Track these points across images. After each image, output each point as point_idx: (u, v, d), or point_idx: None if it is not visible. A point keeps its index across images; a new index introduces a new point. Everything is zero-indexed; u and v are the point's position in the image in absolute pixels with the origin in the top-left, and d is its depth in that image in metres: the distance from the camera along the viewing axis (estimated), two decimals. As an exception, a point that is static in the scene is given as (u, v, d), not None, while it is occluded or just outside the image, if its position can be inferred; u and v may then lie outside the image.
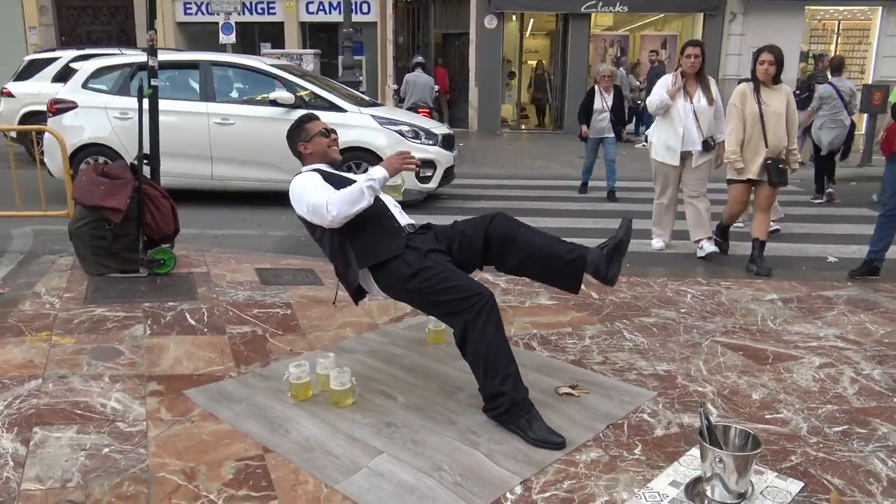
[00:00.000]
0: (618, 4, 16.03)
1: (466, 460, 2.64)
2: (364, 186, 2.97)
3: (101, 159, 7.17)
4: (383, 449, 2.71)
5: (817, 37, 16.88)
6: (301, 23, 17.53)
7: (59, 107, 7.69)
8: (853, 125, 9.08)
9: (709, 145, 5.75)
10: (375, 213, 3.13)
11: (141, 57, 7.66)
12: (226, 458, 2.65)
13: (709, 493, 2.45)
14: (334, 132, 3.41)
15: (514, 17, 18.19)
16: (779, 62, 5.28)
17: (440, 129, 8.43)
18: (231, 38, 13.34)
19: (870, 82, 15.67)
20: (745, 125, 5.25)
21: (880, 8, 16.28)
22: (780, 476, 2.61)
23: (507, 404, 2.82)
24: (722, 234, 6.05)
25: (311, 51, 14.80)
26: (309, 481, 2.51)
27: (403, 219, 3.22)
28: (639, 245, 5.98)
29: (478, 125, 17.28)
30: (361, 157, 7.54)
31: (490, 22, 16.55)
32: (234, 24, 13.50)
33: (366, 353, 3.60)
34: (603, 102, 8.65)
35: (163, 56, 8.84)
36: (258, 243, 6.23)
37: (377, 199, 3.13)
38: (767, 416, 3.07)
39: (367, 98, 8.86)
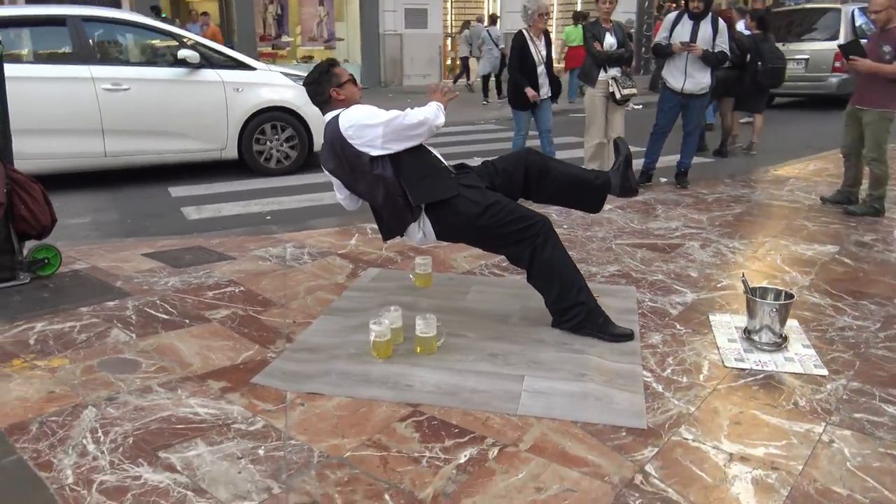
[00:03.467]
0: (278, -38, 15.85)
1: (592, 363, 2.92)
2: (435, 106, 3.02)
3: None
4: (522, 373, 2.84)
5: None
6: None
7: None
8: (503, 57, 13.85)
9: None
10: (426, 153, 3.12)
11: None
12: (387, 422, 2.52)
13: (756, 339, 3.15)
14: None
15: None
16: None
17: None
18: None
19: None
20: None
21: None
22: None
23: (585, 312, 3.14)
24: None
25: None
26: (490, 416, 2.56)
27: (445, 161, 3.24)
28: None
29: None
30: (279, 117, 6.99)
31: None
32: None
33: (380, 305, 3.50)
34: (537, 53, 6.25)
35: (14, 10, 7.17)
36: (86, 233, 5.19)
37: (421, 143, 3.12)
38: (718, 286, 3.90)
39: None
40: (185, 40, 6.90)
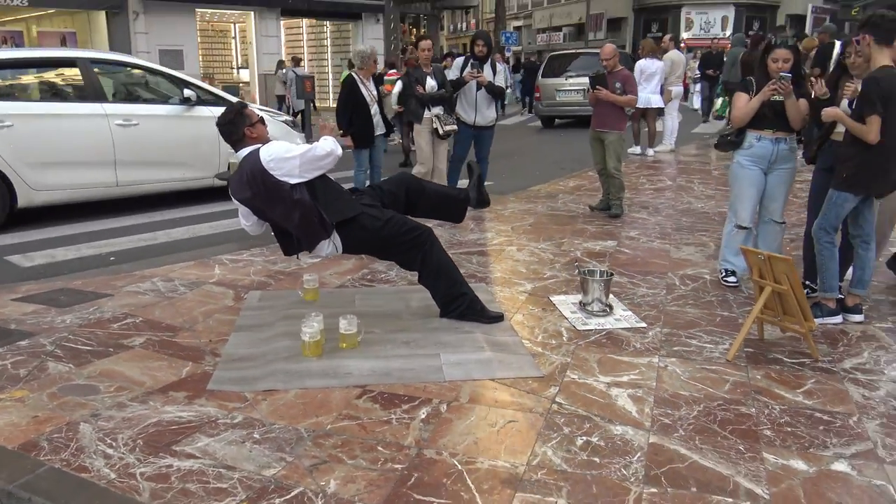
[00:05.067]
0: (15, -3, 14.73)
1: (483, 339, 3.65)
2: (332, 140, 3.53)
3: None
4: (436, 352, 3.47)
5: (208, 37, 18.81)
6: None
7: None
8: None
9: None
10: (330, 181, 3.64)
11: None
12: (347, 400, 3.02)
13: (590, 309, 4.13)
14: None
15: None
16: None
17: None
18: None
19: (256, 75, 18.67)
20: None
21: (252, 13, 19.15)
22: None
23: (468, 301, 3.87)
24: None
25: None
26: (426, 385, 3.18)
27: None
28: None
29: None
30: None
31: None
32: None
33: (282, 319, 3.91)
34: (369, 93, 6.85)
35: (31, 52, 8.63)
36: None
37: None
38: (545, 276, 4.86)
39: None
40: (179, 80, 7.75)
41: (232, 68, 22.77)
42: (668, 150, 11.25)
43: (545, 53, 42.04)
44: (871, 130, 3.56)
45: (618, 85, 6.66)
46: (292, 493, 2.35)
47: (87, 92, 7.05)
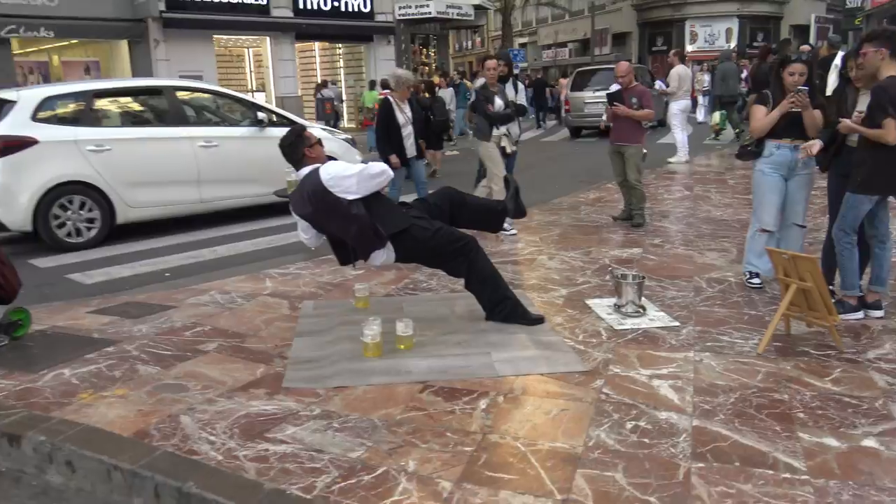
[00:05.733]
0: (42, 30, 15.21)
1: (529, 339, 3.92)
2: (383, 162, 3.84)
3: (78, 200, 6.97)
4: (486, 351, 3.76)
5: (225, 62, 19.30)
6: None
7: (11, 144, 6.52)
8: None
9: None
10: (382, 196, 3.96)
11: (95, 84, 8.22)
12: (411, 394, 3.31)
13: (624, 311, 4.40)
14: None
15: None
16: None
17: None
18: None
19: (273, 97, 19.13)
20: None
21: (268, 38, 19.64)
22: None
23: (511, 305, 4.16)
24: None
25: None
26: (481, 381, 3.45)
27: (394, 200, 4.08)
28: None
29: None
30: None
31: None
32: None
33: (340, 324, 4.21)
34: (403, 115, 7.09)
35: (123, 83, 9.80)
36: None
37: None
38: (578, 282, 5.15)
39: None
40: (252, 104, 8.76)
41: (247, 91, 23.21)
42: (683, 162, 11.55)
43: (551, 70, 42.70)
44: (890, 133, 3.82)
45: (634, 100, 6.96)
46: (378, 472, 2.63)
47: (173, 117, 7.88)
